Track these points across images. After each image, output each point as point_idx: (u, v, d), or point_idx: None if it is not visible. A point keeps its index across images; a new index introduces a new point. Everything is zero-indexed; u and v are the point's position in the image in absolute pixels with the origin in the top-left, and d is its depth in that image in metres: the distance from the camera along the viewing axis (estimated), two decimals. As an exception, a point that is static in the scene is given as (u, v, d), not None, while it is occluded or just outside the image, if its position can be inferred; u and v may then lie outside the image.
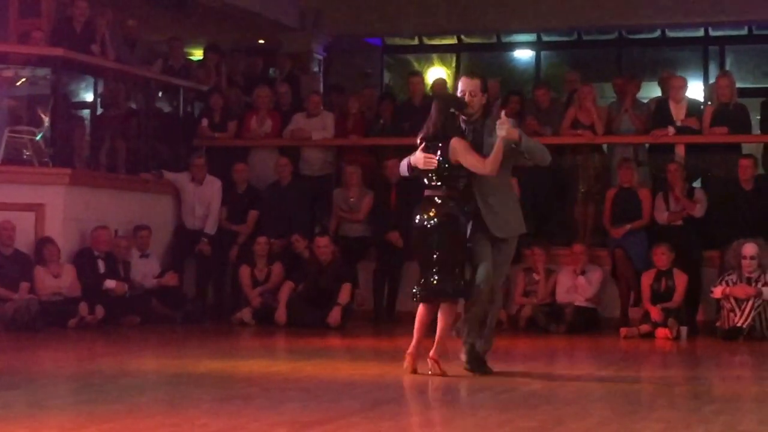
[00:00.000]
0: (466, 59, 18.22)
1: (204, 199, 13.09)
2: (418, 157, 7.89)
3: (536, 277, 12.24)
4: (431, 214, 7.74)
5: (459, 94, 7.98)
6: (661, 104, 12.98)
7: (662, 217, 12.15)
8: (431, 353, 7.72)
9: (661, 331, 11.20)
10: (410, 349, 7.86)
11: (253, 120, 13.88)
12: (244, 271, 12.41)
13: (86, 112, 13.26)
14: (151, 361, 9.16)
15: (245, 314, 12.11)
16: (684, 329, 11.33)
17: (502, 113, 7.90)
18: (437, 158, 7.75)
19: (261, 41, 17.16)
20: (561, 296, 12.04)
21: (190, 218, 13.14)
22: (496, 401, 6.87)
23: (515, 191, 8.54)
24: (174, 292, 12.35)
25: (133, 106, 13.54)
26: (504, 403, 6.79)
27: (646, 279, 11.59)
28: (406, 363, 7.79)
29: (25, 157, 11.78)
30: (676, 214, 12.10)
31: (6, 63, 12.22)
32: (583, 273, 12.04)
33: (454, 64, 18.12)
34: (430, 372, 7.68)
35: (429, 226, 7.74)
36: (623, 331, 11.35)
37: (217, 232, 13.05)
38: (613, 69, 16.49)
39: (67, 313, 11.20)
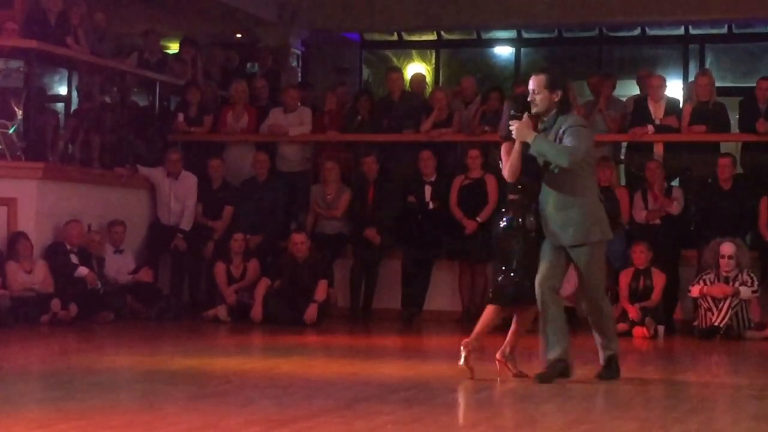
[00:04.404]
0: (446, 55, 18.20)
1: (179, 194, 12.99)
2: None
3: (514, 275, 12.17)
4: (503, 221, 7.62)
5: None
6: (640, 103, 12.97)
7: (640, 215, 12.14)
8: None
9: (638, 330, 11.19)
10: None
11: (229, 115, 13.80)
12: (220, 268, 12.32)
13: (60, 106, 13.16)
14: (124, 358, 9.09)
15: (220, 311, 12.03)
16: (661, 328, 11.32)
17: (525, 115, 7.51)
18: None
19: (238, 35, 17.08)
20: (539, 294, 11.98)
21: (165, 214, 13.05)
22: (471, 400, 6.83)
23: (591, 193, 7.73)
24: (148, 288, 12.26)
25: (108, 99, 13.43)
26: (480, 402, 6.75)
27: (624, 278, 11.58)
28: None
29: (-3, 150, 11.67)
30: (654, 212, 12.09)
31: (-22, 55, 12.10)
32: (560, 271, 11.99)
33: (433, 60, 18.08)
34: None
35: (500, 230, 7.64)
36: (600, 329, 11.32)
37: (192, 228, 12.96)
38: (593, 66, 16.48)
39: (40, 309, 11.09)
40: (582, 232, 7.46)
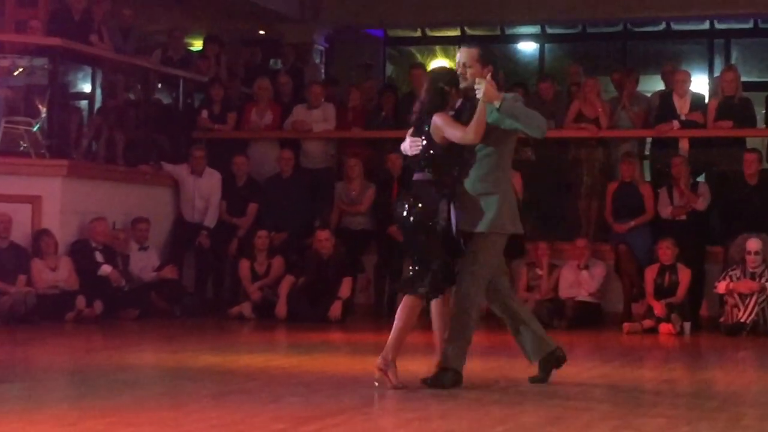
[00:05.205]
0: (469, 51, 18.11)
1: (203, 191, 13.00)
2: (406, 143, 7.11)
3: (539, 271, 12.16)
4: (410, 202, 6.95)
5: (456, 67, 7.10)
6: (665, 98, 12.91)
7: (666, 211, 12.08)
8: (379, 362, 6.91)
9: (664, 327, 11.13)
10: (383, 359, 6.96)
11: (253, 112, 13.79)
12: (244, 265, 12.32)
13: (84, 103, 13.19)
14: (149, 355, 9.10)
15: (245, 308, 12.04)
16: (687, 324, 11.26)
17: (488, 75, 6.93)
18: (422, 141, 6.96)
19: (261, 32, 17.07)
20: (564, 291, 11.96)
21: (189, 211, 13.06)
22: (498, 397, 6.79)
23: (512, 183, 7.31)
24: (173, 286, 12.27)
25: (132, 96, 13.45)
26: (505, 399, 6.71)
27: (650, 274, 11.52)
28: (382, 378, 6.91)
29: (21, 148, 11.69)
30: (680, 208, 12.03)
31: (3, 52, 12.12)
32: (586, 268, 11.96)
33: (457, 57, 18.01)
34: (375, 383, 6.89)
35: (407, 217, 6.94)
36: (626, 326, 11.28)
37: (216, 225, 12.97)
38: (617, 62, 16.41)
39: (65, 307, 11.12)
40: (498, 220, 6.96)
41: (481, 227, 6.97)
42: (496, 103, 6.85)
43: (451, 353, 7.01)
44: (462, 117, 6.98)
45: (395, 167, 12.81)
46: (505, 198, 7.03)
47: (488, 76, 6.91)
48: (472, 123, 6.83)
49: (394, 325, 7.03)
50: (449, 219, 6.95)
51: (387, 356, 6.92)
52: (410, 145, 7.06)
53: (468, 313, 7.01)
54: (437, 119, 6.93)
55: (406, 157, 7.28)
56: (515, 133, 7.06)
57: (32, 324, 10.67)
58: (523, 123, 6.94)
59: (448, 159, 6.95)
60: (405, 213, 6.97)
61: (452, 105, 7.07)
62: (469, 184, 7.00)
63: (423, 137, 6.99)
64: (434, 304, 7.10)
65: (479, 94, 6.82)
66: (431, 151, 6.96)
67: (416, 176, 7.06)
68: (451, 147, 6.93)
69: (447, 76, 7.14)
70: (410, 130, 7.16)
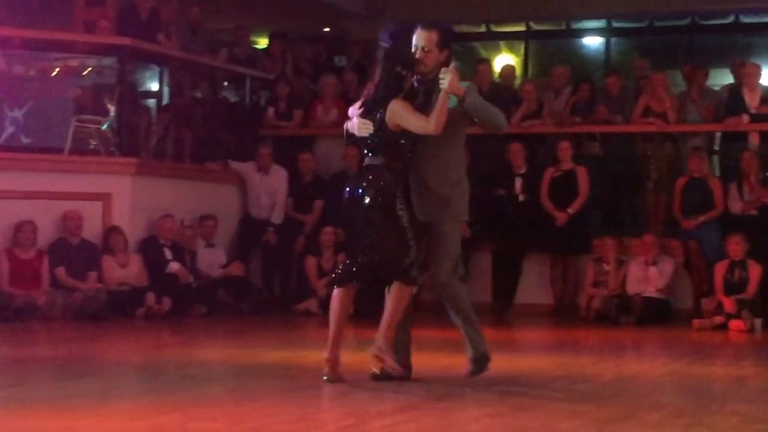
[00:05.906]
0: (535, 46, 18.05)
1: (270, 188, 13.06)
2: (354, 122, 6.85)
3: (606, 267, 12.08)
4: (364, 186, 6.75)
5: (413, 50, 6.81)
6: (734, 91, 12.77)
7: (736, 206, 11.94)
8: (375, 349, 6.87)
9: (734, 323, 11.01)
10: (328, 354, 6.94)
11: (319, 109, 13.84)
12: (311, 262, 12.36)
13: (152, 102, 13.31)
14: (217, 352, 9.16)
15: (311, 304, 12.07)
16: (758, 321, 11.13)
17: (452, 64, 6.75)
18: (375, 123, 6.71)
19: (326, 29, 17.11)
20: (631, 287, 11.87)
21: (255, 208, 13.13)
22: (566, 393, 6.76)
23: (463, 171, 6.98)
24: (240, 282, 12.35)
25: (199, 95, 13.55)
26: (574, 395, 6.67)
27: (720, 270, 11.39)
28: (328, 372, 6.91)
29: (91, 146, 11.83)
30: (751, 203, 11.89)
31: (72, 52, 12.29)
32: (654, 263, 11.86)
33: (522, 52, 17.94)
34: (376, 371, 6.92)
35: (361, 200, 6.77)
36: (696, 322, 11.17)
37: (283, 222, 13.03)
38: (685, 56, 16.22)
39: (134, 303, 11.24)
40: (461, 209, 6.87)
41: (446, 217, 6.84)
42: (460, 93, 6.64)
43: (473, 341, 7.07)
44: (416, 100, 6.80)
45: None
46: (464, 186, 6.92)
47: (452, 66, 6.74)
48: (434, 114, 6.60)
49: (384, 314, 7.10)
50: (410, 204, 6.80)
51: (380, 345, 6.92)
52: (359, 126, 6.82)
53: (461, 300, 7.11)
54: (398, 107, 6.71)
55: (350, 136, 6.95)
56: (470, 118, 6.82)
57: (103, 320, 10.79)
58: (484, 118, 6.74)
59: (400, 145, 6.74)
60: (359, 192, 6.79)
61: (405, 87, 6.82)
62: (430, 172, 6.81)
63: (377, 116, 6.75)
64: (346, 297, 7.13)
65: (444, 85, 6.60)
66: (383, 136, 6.74)
67: (367, 161, 6.86)
68: (405, 134, 6.72)
69: (402, 58, 6.86)
70: (359, 110, 6.89)
